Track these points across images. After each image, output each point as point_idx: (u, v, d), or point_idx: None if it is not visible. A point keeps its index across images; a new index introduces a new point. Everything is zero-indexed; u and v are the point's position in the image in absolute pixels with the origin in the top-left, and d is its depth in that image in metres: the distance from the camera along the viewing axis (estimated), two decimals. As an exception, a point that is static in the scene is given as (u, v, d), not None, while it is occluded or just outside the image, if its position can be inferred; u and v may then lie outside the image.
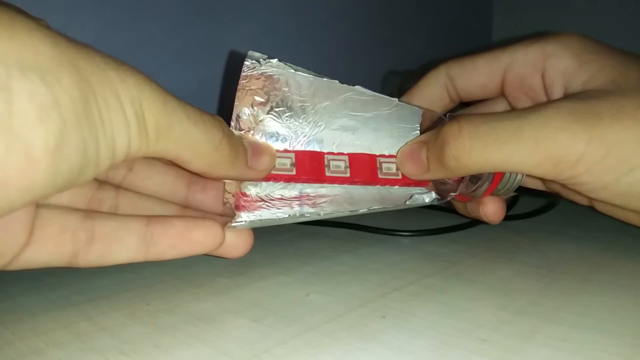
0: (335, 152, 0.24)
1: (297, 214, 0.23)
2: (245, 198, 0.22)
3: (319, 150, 0.24)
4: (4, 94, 0.12)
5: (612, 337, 0.16)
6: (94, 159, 0.15)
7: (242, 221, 0.22)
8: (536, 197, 0.37)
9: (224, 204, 0.24)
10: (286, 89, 0.23)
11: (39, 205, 0.18)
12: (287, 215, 0.22)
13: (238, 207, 0.22)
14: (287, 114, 0.23)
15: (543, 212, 0.36)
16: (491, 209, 0.26)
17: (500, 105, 0.29)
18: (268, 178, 0.22)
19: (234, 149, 0.19)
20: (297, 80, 0.23)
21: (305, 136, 0.23)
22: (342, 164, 0.24)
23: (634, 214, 0.23)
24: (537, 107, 0.21)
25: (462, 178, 0.24)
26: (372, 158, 0.24)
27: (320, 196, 0.24)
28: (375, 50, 0.60)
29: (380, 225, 0.32)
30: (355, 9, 0.57)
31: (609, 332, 0.17)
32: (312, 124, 0.24)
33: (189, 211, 0.24)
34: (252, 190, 0.22)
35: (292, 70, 0.22)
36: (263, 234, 0.23)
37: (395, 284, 0.22)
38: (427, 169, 0.23)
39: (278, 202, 0.23)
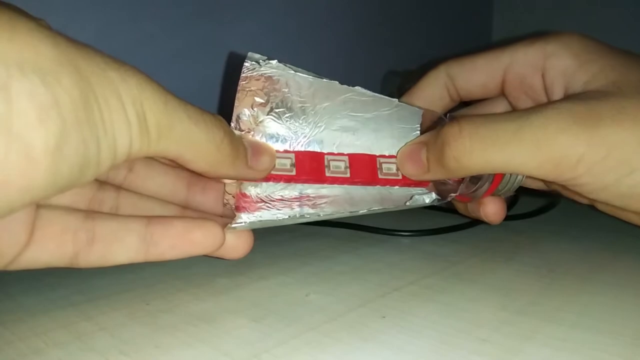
0: (335, 152, 0.24)
1: (297, 215, 0.23)
2: (245, 199, 0.22)
3: (319, 150, 0.24)
4: (4, 94, 0.12)
5: (612, 337, 0.17)
6: (95, 159, 0.15)
7: (242, 222, 0.22)
8: (536, 197, 0.37)
9: (224, 205, 0.24)
10: (286, 90, 0.23)
11: (39, 206, 0.18)
12: (287, 217, 0.22)
13: (238, 208, 0.22)
14: (287, 115, 0.23)
15: (543, 212, 0.36)
16: (491, 210, 0.26)
17: (501, 105, 0.29)
18: (268, 178, 0.22)
19: (234, 149, 0.19)
20: (297, 81, 0.23)
21: (305, 137, 0.23)
22: (342, 165, 0.24)
23: (634, 214, 0.23)
24: (537, 108, 0.21)
25: (463, 178, 0.24)
26: (372, 158, 0.24)
27: (321, 197, 0.24)
28: (375, 50, 0.60)
29: (380, 225, 0.32)
30: (355, 9, 0.57)
31: (609, 332, 0.17)
32: (312, 124, 0.24)
33: (189, 212, 0.24)
34: (252, 191, 0.22)
35: (292, 72, 0.22)
36: (263, 234, 0.23)
37: (395, 284, 0.22)
38: (427, 170, 0.23)
39: (278, 203, 0.23)
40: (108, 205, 0.22)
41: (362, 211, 0.23)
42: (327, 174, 0.24)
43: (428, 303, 0.20)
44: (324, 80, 0.23)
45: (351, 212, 0.23)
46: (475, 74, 0.27)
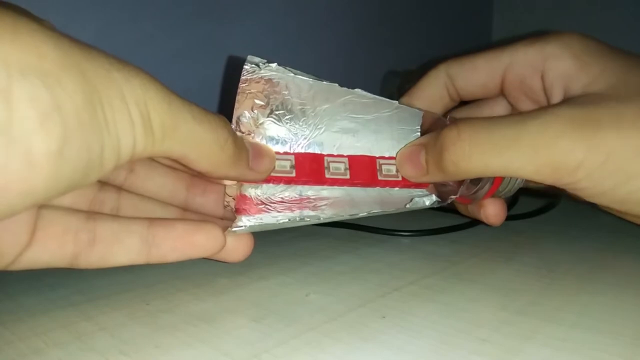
0: (335, 154, 0.24)
1: (297, 218, 0.23)
2: (245, 201, 0.22)
3: (319, 152, 0.24)
4: (5, 98, 0.12)
5: (612, 337, 0.17)
6: (98, 161, 0.14)
7: (242, 225, 0.22)
8: (536, 197, 0.37)
9: (225, 207, 0.24)
10: (286, 92, 0.23)
11: (41, 206, 0.18)
12: (287, 220, 0.22)
13: (239, 211, 0.22)
14: (287, 117, 0.23)
15: (543, 212, 0.36)
16: (492, 211, 0.26)
17: (500, 105, 0.29)
18: (268, 180, 0.22)
19: (237, 149, 0.19)
20: (296, 84, 0.23)
21: (305, 139, 0.23)
22: (341, 166, 0.24)
23: (635, 217, 0.23)
24: (536, 112, 0.21)
25: (463, 180, 0.24)
26: (371, 160, 0.24)
27: (321, 199, 0.24)
28: (375, 50, 0.60)
29: (380, 225, 0.32)
30: (355, 9, 0.57)
31: (609, 332, 0.17)
32: (313, 126, 0.24)
33: (189, 214, 0.24)
34: (253, 193, 0.22)
35: (292, 74, 0.22)
36: (263, 233, 0.23)
37: (395, 284, 0.22)
38: (426, 172, 0.23)
39: (278, 205, 0.23)
40: (109, 206, 0.22)
41: (362, 214, 0.23)
42: (327, 176, 0.24)
43: (428, 303, 0.20)
44: (324, 82, 0.23)
45: (351, 215, 0.23)
46: (475, 74, 0.27)
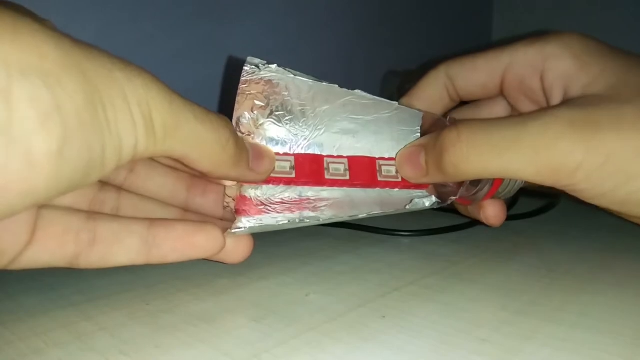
0: (335, 155, 0.24)
1: (297, 219, 0.23)
2: (245, 202, 0.22)
3: (319, 153, 0.24)
4: (5, 98, 0.12)
5: (612, 337, 0.17)
6: (100, 161, 0.14)
7: (242, 227, 0.22)
8: (536, 197, 0.37)
9: (225, 207, 0.24)
10: (286, 94, 0.23)
11: (41, 206, 0.18)
12: (287, 221, 0.22)
13: (239, 212, 0.22)
14: (287, 118, 0.23)
15: (543, 212, 0.36)
16: (492, 213, 0.26)
17: (500, 105, 0.29)
18: (268, 181, 0.22)
19: (239, 150, 0.19)
20: (296, 85, 0.23)
21: (305, 139, 0.23)
22: (341, 167, 0.24)
23: (635, 218, 0.23)
24: (535, 114, 0.21)
25: (463, 181, 0.24)
26: (371, 161, 0.24)
27: (321, 200, 0.23)
28: (375, 50, 0.60)
29: (380, 225, 0.32)
30: (355, 9, 0.57)
31: (609, 332, 0.17)
32: (312, 127, 0.24)
33: (190, 215, 0.24)
34: (253, 194, 0.22)
35: (292, 75, 0.22)
36: (263, 234, 0.23)
37: (395, 284, 0.22)
38: (426, 173, 0.23)
39: (278, 206, 0.23)
40: (109, 206, 0.22)
41: (362, 215, 0.23)
42: (327, 177, 0.24)
43: (428, 303, 0.20)
44: (324, 83, 0.23)
45: (351, 216, 0.23)
46: (475, 74, 0.27)
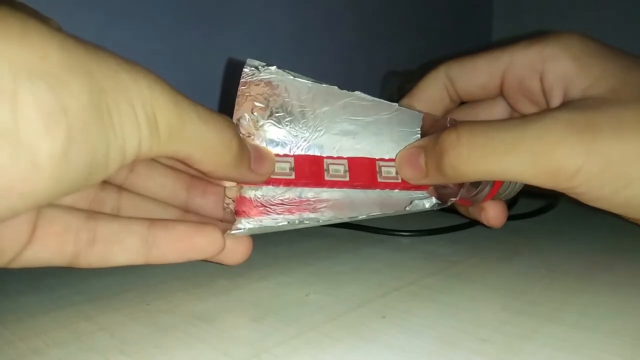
0: (335, 156, 0.24)
1: (297, 221, 0.23)
2: (245, 203, 0.22)
3: (319, 154, 0.24)
4: (11, 101, 0.12)
5: (612, 337, 0.17)
6: (103, 162, 0.14)
7: (242, 228, 0.22)
8: (536, 197, 0.37)
9: (224, 209, 0.24)
10: (285, 95, 0.23)
11: None
12: (287, 222, 0.22)
13: (239, 213, 0.22)
14: (287, 119, 0.23)
15: (543, 212, 0.36)
16: (492, 214, 0.26)
17: (500, 105, 0.29)
18: (267, 182, 0.22)
19: (241, 150, 0.20)
20: (296, 86, 0.23)
21: (305, 141, 0.24)
22: (341, 168, 0.24)
23: (634, 218, 0.23)
24: (535, 117, 0.21)
25: (463, 183, 0.24)
26: (371, 162, 0.24)
27: (320, 201, 0.23)
28: (375, 50, 0.60)
29: (380, 225, 0.32)
30: (355, 9, 0.57)
31: (609, 332, 0.17)
32: (312, 128, 0.24)
33: (190, 216, 0.24)
34: (253, 195, 0.22)
35: (291, 77, 0.22)
36: (263, 234, 0.23)
37: (395, 284, 0.22)
38: (426, 174, 0.23)
39: (278, 208, 0.23)
40: (109, 205, 0.22)
41: (362, 217, 0.23)
42: (327, 178, 0.24)
43: (428, 303, 0.20)
44: (323, 85, 0.23)
45: (350, 217, 0.23)
46: (475, 75, 0.27)
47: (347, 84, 0.24)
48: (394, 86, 0.55)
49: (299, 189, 0.23)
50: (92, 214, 0.20)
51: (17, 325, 0.18)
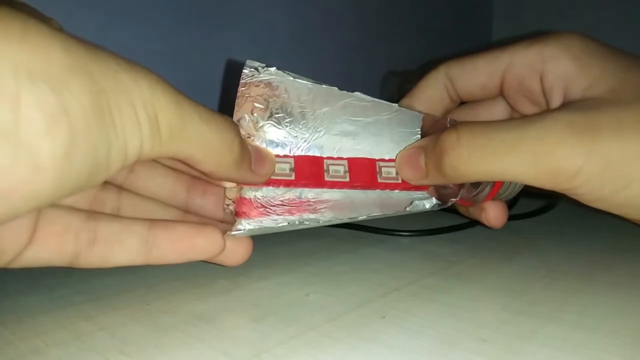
0: (335, 156, 0.24)
1: (297, 222, 0.23)
2: (245, 204, 0.22)
3: (319, 155, 0.24)
4: (13, 102, 0.12)
5: (612, 337, 0.17)
6: (105, 163, 0.14)
7: (242, 229, 0.22)
8: (536, 197, 0.37)
9: (224, 209, 0.24)
10: (285, 96, 0.23)
11: None
12: (287, 223, 0.22)
13: (239, 214, 0.22)
14: (286, 120, 0.23)
15: (543, 212, 0.36)
16: (493, 214, 0.26)
17: (500, 105, 0.29)
18: (267, 183, 0.23)
19: (242, 151, 0.20)
20: (296, 87, 0.23)
21: (305, 141, 0.24)
22: (341, 169, 0.24)
23: (634, 219, 0.23)
24: (535, 117, 0.21)
25: (463, 183, 0.24)
26: (371, 162, 0.24)
27: (321, 202, 0.23)
28: (375, 50, 0.60)
29: (380, 225, 0.32)
30: (355, 9, 0.57)
31: (609, 332, 0.17)
32: (312, 129, 0.24)
33: (190, 216, 0.24)
34: (253, 196, 0.22)
35: (291, 78, 0.22)
36: (263, 234, 0.23)
37: (395, 284, 0.22)
38: (426, 175, 0.23)
39: (278, 208, 0.23)
40: (110, 206, 0.22)
41: (362, 217, 0.23)
42: (327, 178, 0.24)
43: (428, 303, 0.20)
44: (323, 86, 0.23)
45: (351, 218, 0.23)
46: (475, 75, 0.27)
47: (347, 84, 0.24)
48: (394, 86, 0.55)
49: (299, 189, 0.23)
50: (92, 214, 0.20)
51: (17, 325, 0.18)
